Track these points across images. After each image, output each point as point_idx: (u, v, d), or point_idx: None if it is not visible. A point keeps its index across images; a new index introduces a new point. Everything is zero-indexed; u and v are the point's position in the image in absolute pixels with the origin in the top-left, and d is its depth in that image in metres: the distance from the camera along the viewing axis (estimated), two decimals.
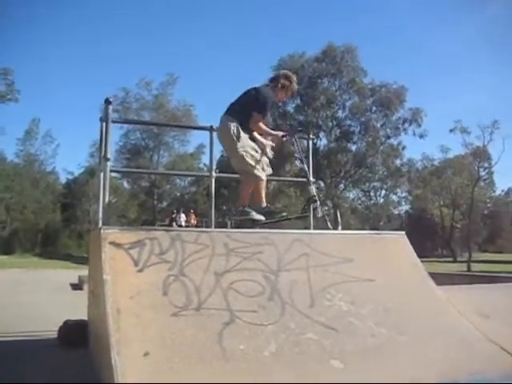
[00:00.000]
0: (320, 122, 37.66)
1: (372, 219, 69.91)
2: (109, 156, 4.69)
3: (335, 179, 40.57)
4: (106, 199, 4.72)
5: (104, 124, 4.80)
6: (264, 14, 76.47)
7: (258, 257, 4.26)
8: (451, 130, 46.86)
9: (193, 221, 25.06)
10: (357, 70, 37.04)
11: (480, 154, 58.95)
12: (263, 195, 5.30)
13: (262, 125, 5.23)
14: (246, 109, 5.10)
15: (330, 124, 37.92)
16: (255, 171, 5.13)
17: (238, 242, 4.31)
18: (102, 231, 3.97)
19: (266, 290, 4.02)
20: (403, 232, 5.16)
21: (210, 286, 3.86)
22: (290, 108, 39.43)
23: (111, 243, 3.90)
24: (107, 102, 4.77)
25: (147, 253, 3.95)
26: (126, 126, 42.42)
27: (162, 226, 25.10)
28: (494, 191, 75.87)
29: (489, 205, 76.11)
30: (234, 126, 5.04)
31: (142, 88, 43.40)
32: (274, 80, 5.48)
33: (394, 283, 4.54)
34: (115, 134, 40.04)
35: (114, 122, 5.20)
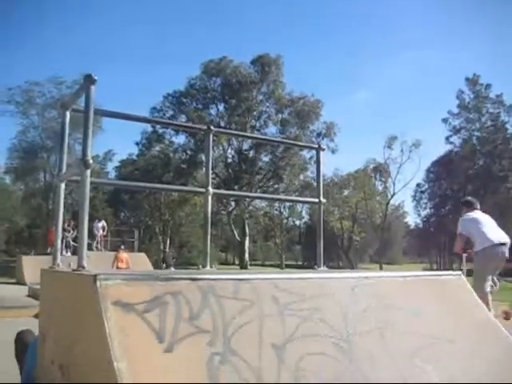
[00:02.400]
0: (238, 128, 36.67)
1: (273, 230, 70.24)
2: None
3: (245, 189, 39.73)
4: None
5: None
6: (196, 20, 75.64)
7: (318, 316, 2.98)
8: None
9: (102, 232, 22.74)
10: (277, 82, 36.68)
11: (379, 169, 61.64)
12: None
13: None
14: None
15: (249, 131, 37.07)
16: None
17: (289, 295, 3.00)
18: (98, 282, 2.47)
19: (342, 364, 2.76)
20: (460, 272, 4.11)
21: (272, 368, 2.53)
22: (213, 112, 38.36)
23: (116, 304, 2.43)
24: None
25: (173, 318, 2.52)
26: (25, 122, 38.79)
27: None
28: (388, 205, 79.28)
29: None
30: None
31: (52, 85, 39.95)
32: None
33: (477, 345, 3.46)
34: (11, 130, 36.54)
35: None
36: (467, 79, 53.28)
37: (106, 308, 2.39)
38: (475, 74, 53.24)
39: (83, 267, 2.94)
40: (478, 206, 7.94)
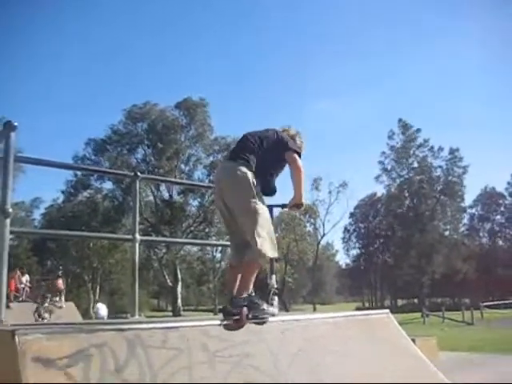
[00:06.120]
0: (166, 172, 36.29)
1: (206, 274, 69.31)
2: None
3: (175, 234, 39.06)
4: None
5: None
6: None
7: (249, 361, 2.97)
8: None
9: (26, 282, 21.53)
10: (205, 125, 36.99)
11: (308, 211, 62.74)
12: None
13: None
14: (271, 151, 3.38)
15: (177, 175, 36.80)
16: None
17: (219, 341, 2.96)
18: (16, 338, 2.34)
19: None
20: (387, 310, 4.24)
21: None
22: (140, 156, 37.90)
23: (37, 360, 2.30)
24: None
25: (98, 371, 2.42)
26: None
27: None
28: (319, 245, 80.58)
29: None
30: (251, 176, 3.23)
31: None
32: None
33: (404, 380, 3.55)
34: None
35: None
36: (400, 120, 55.63)
37: (25, 365, 2.26)
38: (401, 119, 55.76)
39: (1, 321, 2.79)
40: None
